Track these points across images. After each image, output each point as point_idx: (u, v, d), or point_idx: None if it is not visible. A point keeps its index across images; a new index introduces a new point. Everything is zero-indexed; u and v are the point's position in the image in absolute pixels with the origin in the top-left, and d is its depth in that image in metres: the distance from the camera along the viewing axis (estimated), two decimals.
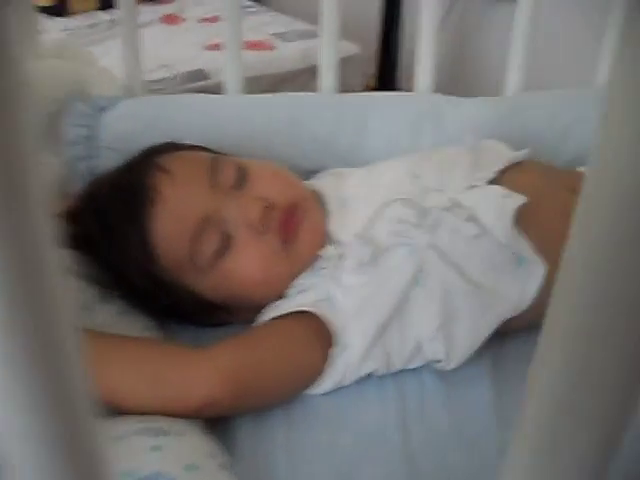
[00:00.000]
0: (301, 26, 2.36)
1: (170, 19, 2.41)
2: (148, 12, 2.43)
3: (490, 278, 0.72)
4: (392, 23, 2.30)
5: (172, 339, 0.77)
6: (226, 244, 0.73)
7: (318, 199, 0.81)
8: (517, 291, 0.72)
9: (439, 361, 0.72)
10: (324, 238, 0.77)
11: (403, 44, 2.30)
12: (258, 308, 0.75)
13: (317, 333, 0.70)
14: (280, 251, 0.74)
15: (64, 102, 0.98)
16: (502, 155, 0.82)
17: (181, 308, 0.77)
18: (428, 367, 0.74)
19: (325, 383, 0.71)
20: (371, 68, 2.36)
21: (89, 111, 0.97)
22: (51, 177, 0.97)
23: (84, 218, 0.76)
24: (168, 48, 2.08)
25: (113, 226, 0.74)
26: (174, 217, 0.72)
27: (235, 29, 1.03)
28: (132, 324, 0.73)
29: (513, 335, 0.77)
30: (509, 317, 0.72)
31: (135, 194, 0.73)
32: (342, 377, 0.71)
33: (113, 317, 0.72)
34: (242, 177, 0.76)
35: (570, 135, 1.00)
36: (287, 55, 2.11)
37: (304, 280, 0.74)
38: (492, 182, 0.78)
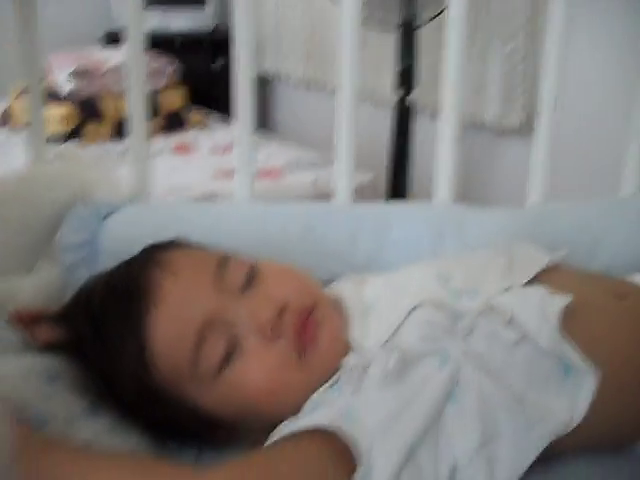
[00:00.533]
0: (311, 155, 2.38)
1: (182, 149, 2.44)
2: (161, 142, 2.46)
3: (534, 390, 0.63)
4: (402, 152, 2.31)
5: (168, 459, 0.67)
6: (233, 351, 0.65)
7: (338, 305, 0.74)
8: (566, 405, 0.63)
9: None
10: (345, 346, 0.69)
11: (413, 173, 2.30)
12: (269, 427, 0.65)
13: (336, 454, 0.60)
14: (294, 360, 0.66)
15: (65, 206, 0.94)
16: (538, 257, 0.75)
17: (180, 424, 0.67)
18: None
19: None
20: (381, 196, 2.35)
21: (90, 215, 0.92)
22: (47, 286, 0.91)
23: (75, 319, 0.69)
24: (179, 175, 2.08)
25: (106, 328, 0.66)
26: (175, 319, 0.65)
27: (247, 156, 1.03)
28: (124, 440, 0.64)
29: (560, 459, 0.67)
30: (558, 436, 0.63)
31: (132, 293, 0.66)
32: None
33: (102, 432, 0.63)
34: (253, 277, 0.69)
35: (601, 245, 0.94)
36: (298, 183, 2.11)
37: (322, 394, 0.65)
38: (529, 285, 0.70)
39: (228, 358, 0.65)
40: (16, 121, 2.38)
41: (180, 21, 3.23)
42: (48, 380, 0.66)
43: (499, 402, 0.62)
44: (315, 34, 3.02)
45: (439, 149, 1.10)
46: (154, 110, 2.53)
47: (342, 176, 1.07)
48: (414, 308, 0.68)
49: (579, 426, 0.63)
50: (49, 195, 0.93)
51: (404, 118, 2.34)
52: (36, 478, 0.56)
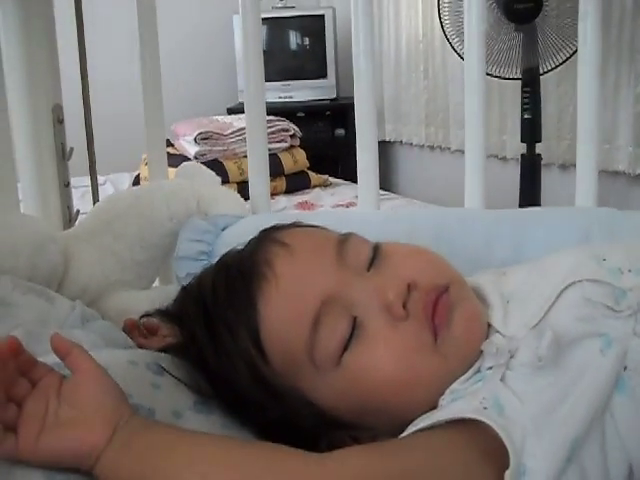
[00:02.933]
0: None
1: (305, 205, 2.43)
2: (283, 200, 2.47)
3: None
4: (532, 205, 2.20)
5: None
6: (355, 333, 0.57)
7: (476, 291, 0.64)
8: None
9: None
10: (485, 329, 0.59)
11: None
12: (399, 425, 0.56)
13: (484, 450, 0.50)
14: (428, 342, 0.57)
15: (183, 221, 0.91)
16: None
17: (295, 423, 0.59)
18: None
19: None
20: None
21: (207, 227, 0.88)
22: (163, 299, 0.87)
23: (186, 311, 0.63)
24: None
25: (217, 313, 0.60)
26: (290, 296, 0.58)
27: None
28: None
29: None
30: None
31: (244, 272, 0.60)
32: None
33: (212, 428, 0.57)
34: (377, 255, 0.61)
35: None
36: None
37: (463, 383, 0.56)
38: None
39: (350, 342, 0.57)
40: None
41: (303, 92, 3.39)
42: (158, 371, 0.60)
43: None
44: (435, 97, 3.00)
45: (577, 202, 1.03)
46: (277, 172, 2.55)
47: None
48: (567, 286, 0.58)
49: None
50: (166, 210, 0.91)
51: (532, 171, 2.25)
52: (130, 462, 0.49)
